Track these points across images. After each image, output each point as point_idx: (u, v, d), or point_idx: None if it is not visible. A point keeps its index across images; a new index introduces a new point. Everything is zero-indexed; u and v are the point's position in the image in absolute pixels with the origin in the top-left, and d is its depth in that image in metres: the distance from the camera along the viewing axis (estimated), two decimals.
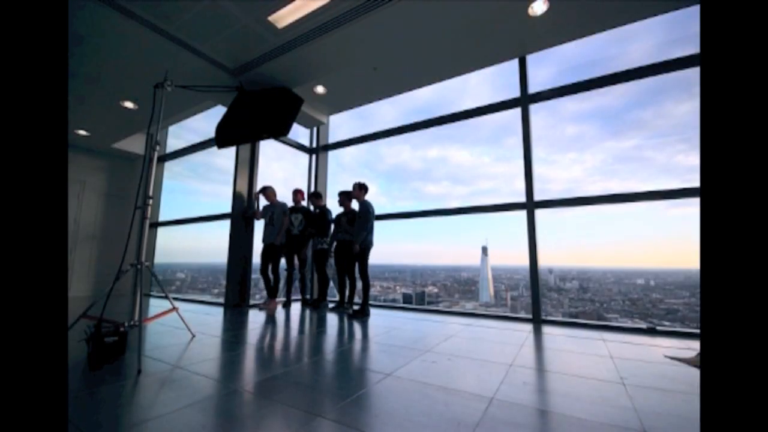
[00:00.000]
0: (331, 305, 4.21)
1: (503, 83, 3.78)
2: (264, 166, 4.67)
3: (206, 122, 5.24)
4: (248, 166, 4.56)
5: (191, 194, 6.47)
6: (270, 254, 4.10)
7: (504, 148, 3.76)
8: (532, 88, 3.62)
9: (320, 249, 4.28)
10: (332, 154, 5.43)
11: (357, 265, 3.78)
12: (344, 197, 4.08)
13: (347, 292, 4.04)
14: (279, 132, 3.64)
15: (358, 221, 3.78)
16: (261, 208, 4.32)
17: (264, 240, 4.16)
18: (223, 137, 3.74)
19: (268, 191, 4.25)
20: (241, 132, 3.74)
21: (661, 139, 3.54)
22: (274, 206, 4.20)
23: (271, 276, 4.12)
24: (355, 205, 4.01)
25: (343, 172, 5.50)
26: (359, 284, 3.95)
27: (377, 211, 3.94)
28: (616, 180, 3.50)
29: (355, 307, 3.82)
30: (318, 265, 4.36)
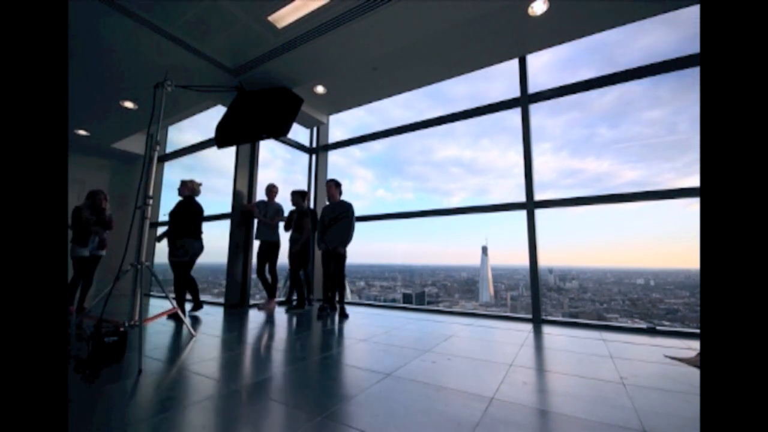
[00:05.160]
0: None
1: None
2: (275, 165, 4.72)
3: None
4: (248, 166, 4.56)
5: (169, 187, 6.30)
6: (265, 252, 4.08)
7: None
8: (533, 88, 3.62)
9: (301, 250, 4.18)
10: (326, 144, 5.44)
11: (334, 267, 3.68)
12: (298, 197, 4.14)
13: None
14: (279, 132, 3.64)
15: (340, 223, 3.65)
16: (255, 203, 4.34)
17: (257, 237, 4.15)
18: (222, 137, 3.74)
19: (274, 189, 4.34)
20: (241, 132, 3.74)
21: None
22: (270, 205, 4.23)
23: (268, 276, 4.09)
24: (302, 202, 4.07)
25: (333, 153, 5.46)
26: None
27: (374, 209, 3.94)
28: (658, 163, 2.95)
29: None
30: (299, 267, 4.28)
